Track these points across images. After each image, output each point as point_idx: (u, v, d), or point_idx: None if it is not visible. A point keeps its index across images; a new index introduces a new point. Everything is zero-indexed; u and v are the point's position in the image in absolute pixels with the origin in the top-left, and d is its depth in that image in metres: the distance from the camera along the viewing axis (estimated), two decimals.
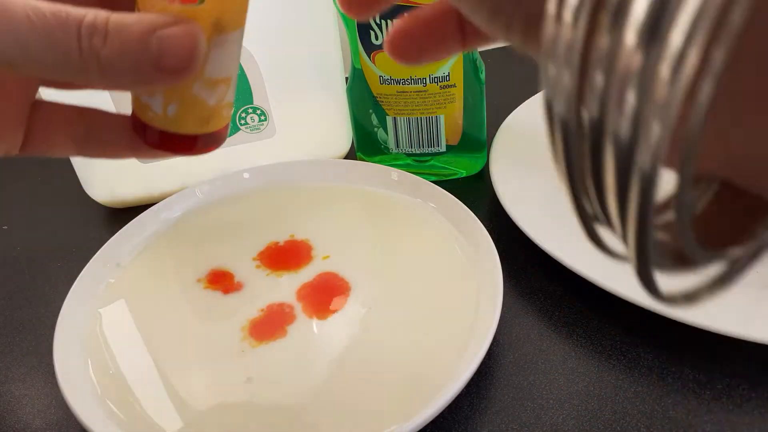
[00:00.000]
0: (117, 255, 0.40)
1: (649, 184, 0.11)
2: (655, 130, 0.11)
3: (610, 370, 0.32)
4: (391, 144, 0.46)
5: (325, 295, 0.36)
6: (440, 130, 0.44)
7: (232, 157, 0.47)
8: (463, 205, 0.39)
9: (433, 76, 0.42)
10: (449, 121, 0.44)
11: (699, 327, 0.30)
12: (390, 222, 0.41)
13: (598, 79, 0.11)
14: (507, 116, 0.49)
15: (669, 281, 0.14)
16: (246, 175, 0.45)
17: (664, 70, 0.10)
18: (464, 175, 0.47)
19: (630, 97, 0.11)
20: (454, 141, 0.45)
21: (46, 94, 0.25)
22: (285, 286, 0.37)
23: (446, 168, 0.46)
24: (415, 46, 0.20)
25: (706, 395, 0.30)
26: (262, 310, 0.36)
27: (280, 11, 0.42)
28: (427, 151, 0.46)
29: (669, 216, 0.12)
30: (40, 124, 0.21)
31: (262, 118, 0.45)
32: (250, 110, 0.45)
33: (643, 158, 0.11)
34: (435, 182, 0.42)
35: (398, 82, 0.42)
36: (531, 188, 0.41)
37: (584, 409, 0.30)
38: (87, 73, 0.17)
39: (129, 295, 0.37)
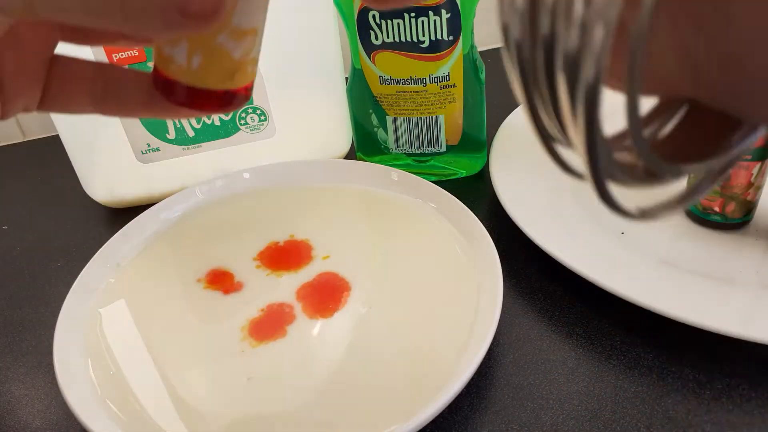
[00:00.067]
0: (117, 255, 0.40)
1: (593, 91, 0.11)
2: (598, 34, 0.11)
3: (610, 370, 0.32)
4: (391, 144, 0.46)
5: (325, 295, 0.36)
6: (440, 130, 0.44)
7: (232, 157, 0.47)
8: (463, 205, 0.39)
9: (433, 76, 0.42)
10: (449, 121, 0.44)
11: (699, 327, 0.30)
12: (390, 222, 0.41)
13: None
14: (507, 116, 0.49)
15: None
16: (246, 175, 0.45)
17: None
18: (464, 175, 0.47)
19: (577, 6, 0.11)
20: (454, 141, 0.45)
21: (64, 51, 0.24)
22: (285, 286, 0.37)
23: (446, 168, 0.46)
24: None
25: (706, 395, 0.30)
26: (262, 310, 0.36)
27: (280, 11, 0.42)
28: (427, 151, 0.46)
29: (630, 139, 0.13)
30: (58, 80, 0.20)
31: (262, 118, 0.45)
32: (250, 110, 0.45)
33: (587, 66, 0.11)
34: (435, 182, 0.42)
35: (398, 82, 0.42)
36: (531, 188, 0.41)
37: (584, 409, 0.30)
38: (109, 17, 0.16)
39: (129, 295, 0.37)
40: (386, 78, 0.42)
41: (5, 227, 0.49)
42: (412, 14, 0.39)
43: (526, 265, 0.38)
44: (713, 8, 0.11)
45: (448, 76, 0.42)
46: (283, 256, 0.39)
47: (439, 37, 0.40)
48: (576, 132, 0.12)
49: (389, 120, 0.44)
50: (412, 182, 0.42)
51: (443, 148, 0.45)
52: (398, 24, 0.40)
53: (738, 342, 0.31)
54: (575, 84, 0.12)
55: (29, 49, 0.19)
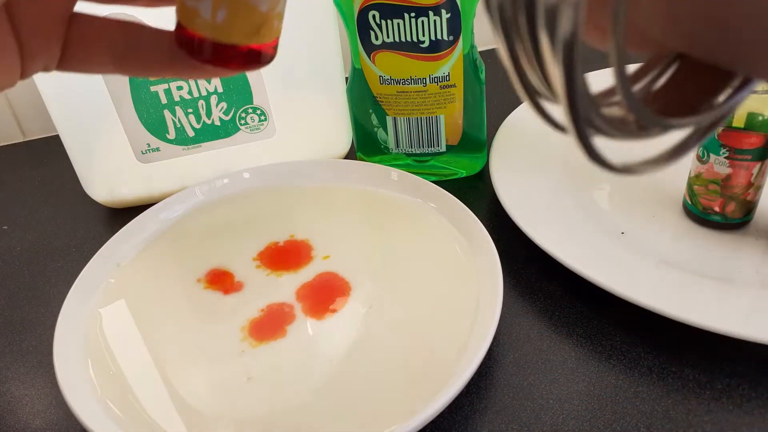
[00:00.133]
0: (117, 255, 0.40)
1: (572, 38, 0.12)
2: None
3: (610, 370, 0.32)
4: (391, 144, 0.46)
5: (325, 295, 0.36)
6: (440, 130, 0.44)
7: (232, 157, 0.47)
8: (463, 205, 0.39)
9: (433, 76, 0.42)
10: (449, 121, 0.44)
11: (699, 327, 0.30)
12: (390, 222, 0.41)
13: None
14: (507, 116, 0.49)
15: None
16: (246, 175, 0.45)
17: None
18: (464, 175, 0.47)
19: None
20: (454, 141, 0.45)
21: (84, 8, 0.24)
22: (285, 286, 0.37)
23: (446, 168, 0.46)
24: None
25: (706, 395, 0.30)
26: (262, 310, 0.36)
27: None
28: (427, 151, 0.46)
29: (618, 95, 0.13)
30: (78, 38, 0.20)
31: (262, 118, 0.45)
32: (250, 110, 0.45)
33: (565, 14, 0.11)
34: (435, 182, 0.42)
35: (398, 82, 0.42)
36: (531, 188, 0.41)
37: (584, 409, 0.30)
38: None
39: (129, 295, 0.37)
40: (386, 78, 0.42)
41: (5, 227, 0.49)
42: (412, 14, 0.39)
43: (526, 265, 0.38)
44: None
45: (448, 76, 0.42)
46: (283, 256, 0.39)
47: (439, 37, 0.40)
48: (556, 82, 0.13)
49: (389, 120, 0.44)
50: (412, 182, 0.42)
51: (443, 148, 0.45)
52: (398, 24, 0.40)
53: (738, 342, 0.31)
54: (555, 34, 0.12)
55: (48, 5, 0.19)
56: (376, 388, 0.30)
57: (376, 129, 0.45)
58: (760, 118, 0.33)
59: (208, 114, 0.44)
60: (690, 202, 0.38)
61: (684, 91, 0.15)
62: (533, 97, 0.14)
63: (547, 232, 0.37)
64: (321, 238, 0.40)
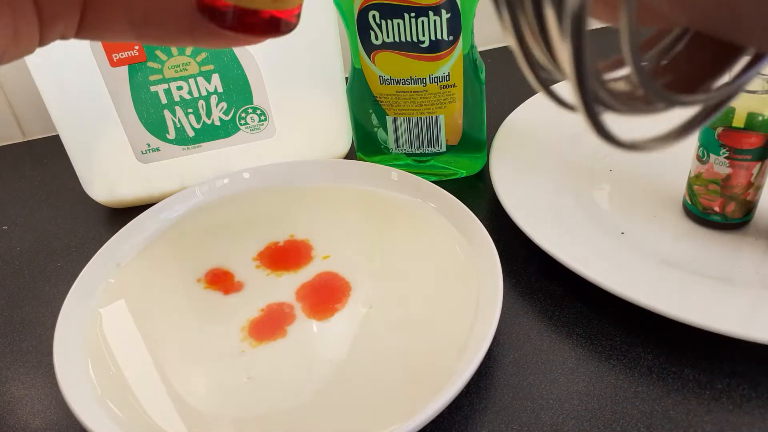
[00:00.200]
0: (117, 255, 0.40)
1: (580, 12, 0.11)
2: None
3: (610, 370, 0.32)
4: (391, 144, 0.46)
5: (325, 295, 0.36)
6: (440, 130, 0.44)
7: (232, 157, 0.47)
8: (463, 205, 0.39)
9: (433, 76, 0.42)
10: (449, 121, 0.44)
11: (699, 327, 0.30)
12: (390, 222, 0.41)
13: None
14: (507, 116, 0.49)
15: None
16: (246, 175, 0.45)
17: None
18: (464, 175, 0.47)
19: None
20: (454, 141, 0.45)
21: None
22: (285, 286, 0.37)
23: (446, 168, 0.46)
24: None
25: (706, 395, 0.30)
26: (262, 310, 0.36)
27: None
28: (427, 151, 0.46)
29: (625, 68, 0.13)
30: (96, 4, 0.20)
31: (262, 118, 0.45)
32: (250, 110, 0.45)
33: None
34: (435, 182, 0.42)
35: (398, 82, 0.42)
36: (531, 188, 0.41)
37: (584, 409, 0.30)
38: None
39: (129, 295, 0.37)
40: (386, 78, 0.42)
41: (5, 227, 0.49)
42: (412, 14, 0.39)
43: (526, 265, 0.38)
44: None
45: (448, 76, 0.42)
46: (283, 256, 0.39)
47: (439, 37, 0.40)
48: (564, 59, 0.12)
49: (389, 120, 0.44)
50: (412, 182, 0.42)
51: (443, 148, 0.45)
52: (398, 24, 0.40)
53: (738, 342, 0.31)
54: (563, 9, 0.12)
55: None
56: (376, 388, 0.30)
57: (376, 129, 0.45)
58: (760, 118, 0.33)
59: (208, 114, 0.44)
60: (690, 202, 0.38)
61: (692, 66, 0.15)
62: (537, 73, 0.14)
63: (547, 232, 0.37)
64: (321, 238, 0.40)
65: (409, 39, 0.40)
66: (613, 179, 0.43)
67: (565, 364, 0.32)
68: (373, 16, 0.40)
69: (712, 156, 0.35)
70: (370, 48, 0.41)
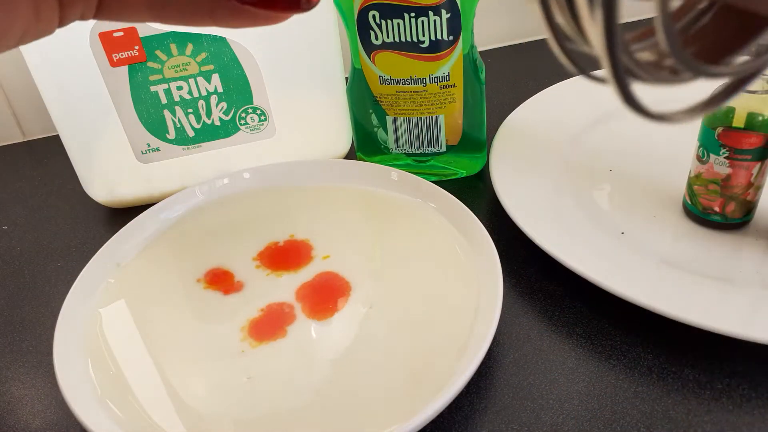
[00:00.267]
0: (117, 255, 0.40)
1: None
2: None
3: (610, 370, 0.32)
4: (391, 144, 0.46)
5: (325, 295, 0.36)
6: (440, 130, 0.44)
7: (232, 157, 0.47)
8: (463, 205, 0.39)
9: (433, 76, 0.42)
10: (449, 121, 0.44)
11: (699, 327, 0.30)
12: (390, 222, 0.41)
13: None
14: (507, 116, 0.49)
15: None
16: (246, 175, 0.45)
17: None
18: (464, 175, 0.47)
19: None
20: (454, 141, 0.45)
21: None
22: (285, 286, 0.37)
23: (446, 168, 0.46)
24: None
25: (706, 395, 0.30)
26: (262, 310, 0.36)
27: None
28: (427, 151, 0.46)
29: (653, 37, 0.13)
30: None
31: (262, 118, 0.45)
32: (250, 110, 0.45)
33: None
34: (435, 182, 0.42)
35: (398, 82, 0.42)
36: (531, 188, 0.41)
37: (584, 409, 0.30)
38: None
39: (129, 295, 0.37)
40: (386, 78, 0.42)
41: (5, 227, 0.49)
42: (412, 14, 0.39)
43: (526, 265, 0.38)
44: None
45: (448, 76, 0.42)
46: (283, 256, 0.39)
47: (439, 37, 0.40)
48: (594, 30, 0.12)
49: (389, 120, 0.44)
50: (412, 182, 0.42)
51: (443, 148, 0.45)
52: (398, 24, 0.40)
53: (738, 342, 0.31)
54: None
55: None
56: (376, 388, 0.30)
57: (376, 129, 0.45)
58: (760, 118, 0.33)
59: (208, 114, 0.44)
60: (690, 202, 0.38)
61: (719, 37, 0.15)
62: (562, 44, 0.14)
63: (547, 232, 0.37)
64: (321, 238, 0.40)
65: (409, 39, 0.40)
66: (613, 179, 0.43)
67: (565, 364, 0.32)
68: (373, 16, 0.40)
69: (712, 156, 0.35)
70: (370, 48, 0.41)
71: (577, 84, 0.53)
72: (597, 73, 0.15)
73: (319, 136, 0.48)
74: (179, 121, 0.44)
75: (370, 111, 0.44)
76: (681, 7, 0.15)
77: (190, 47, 0.41)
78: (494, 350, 0.33)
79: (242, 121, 0.45)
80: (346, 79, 0.45)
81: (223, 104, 0.44)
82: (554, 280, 0.37)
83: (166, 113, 0.44)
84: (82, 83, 0.42)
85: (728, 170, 0.35)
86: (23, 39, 0.18)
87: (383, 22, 0.40)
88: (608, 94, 0.52)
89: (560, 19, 0.14)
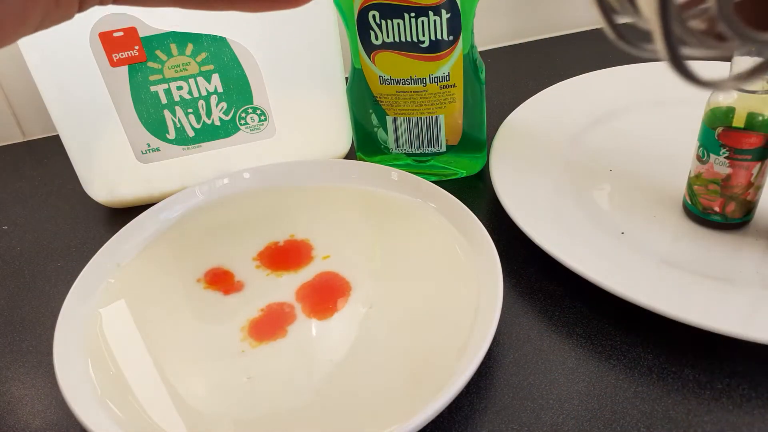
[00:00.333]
0: (117, 255, 0.40)
1: None
2: None
3: (609, 370, 0.32)
4: (391, 144, 0.46)
5: (325, 294, 0.36)
6: (440, 130, 0.44)
7: (232, 157, 0.47)
8: (463, 205, 0.39)
9: (433, 76, 0.42)
10: (449, 121, 0.44)
11: (699, 327, 0.30)
12: (390, 222, 0.41)
13: None
14: (507, 116, 0.49)
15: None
16: (246, 175, 0.45)
17: None
18: (464, 175, 0.47)
19: None
20: (454, 141, 0.45)
21: None
22: (285, 286, 0.37)
23: (446, 168, 0.46)
24: None
25: (706, 395, 0.30)
26: (262, 310, 0.36)
27: (279, 11, 0.42)
28: (427, 151, 0.46)
29: (702, 4, 0.13)
30: None
31: (262, 118, 0.45)
32: (250, 110, 0.45)
33: None
34: (435, 182, 0.42)
35: (398, 82, 0.42)
36: (531, 188, 0.41)
37: (584, 409, 0.30)
38: None
39: (129, 295, 0.37)
40: (386, 78, 0.42)
41: (5, 227, 0.49)
42: (412, 14, 0.39)
43: (526, 265, 0.38)
44: None
45: (448, 76, 0.42)
46: (283, 256, 0.39)
47: (439, 37, 0.40)
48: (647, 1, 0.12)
49: (389, 120, 0.44)
50: (412, 182, 0.42)
51: (443, 148, 0.45)
52: (398, 24, 0.40)
53: (738, 342, 0.31)
54: None
55: None
56: (376, 388, 0.30)
57: (376, 129, 0.45)
58: (760, 118, 0.33)
59: (208, 114, 0.44)
60: (690, 202, 0.38)
61: (766, 6, 0.15)
62: (608, 14, 0.14)
63: (547, 232, 0.37)
64: (321, 238, 0.40)
65: (409, 39, 0.40)
66: (613, 179, 0.43)
67: (565, 364, 0.32)
68: (373, 16, 0.40)
69: (712, 156, 0.35)
70: (370, 48, 0.41)
71: (577, 84, 0.53)
72: (647, 45, 0.15)
73: (319, 136, 0.48)
74: (179, 121, 0.44)
75: (370, 111, 0.44)
76: None
77: (190, 47, 0.41)
78: (494, 350, 0.33)
79: (242, 121, 0.45)
80: (346, 79, 0.45)
81: (223, 104, 0.44)
82: (554, 280, 0.37)
83: (166, 113, 0.44)
84: (82, 83, 0.42)
85: (728, 170, 0.35)
86: (42, 24, 0.18)
87: (383, 22, 0.40)
88: (608, 94, 0.51)
89: None
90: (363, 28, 0.40)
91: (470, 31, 0.40)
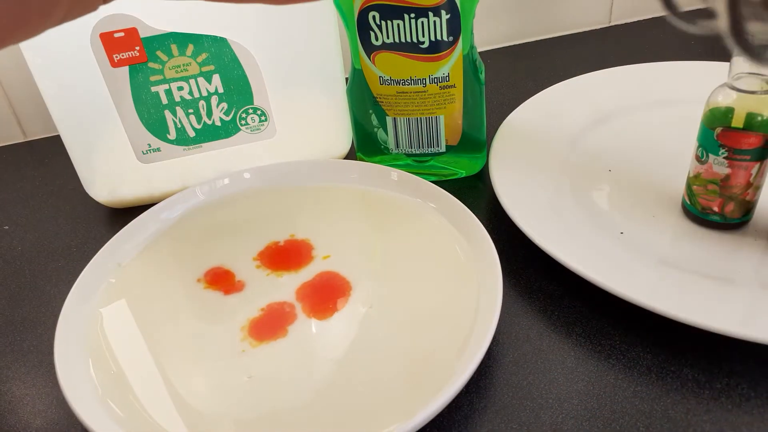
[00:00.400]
0: (117, 255, 0.40)
1: None
2: None
3: (609, 370, 0.32)
4: (391, 144, 0.46)
5: (325, 294, 0.36)
6: (440, 131, 0.44)
7: (232, 157, 0.47)
8: (463, 205, 0.39)
9: (433, 77, 0.42)
10: (449, 121, 0.44)
11: (699, 327, 0.30)
12: (390, 222, 0.41)
13: None
14: (507, 116, 0.49)
15: None
16: (246, 175, 0.46)
17: None
18: (464, 175, 0.47)
19: None
20: (454, 141, 0.45)
21: None
22: (285, 286, 0.37)
23: (446, 168, 0.47)
24: None
25: (705, 395, 0.30)
26: (263, 310, 0.36)
27: (279, 11, 0.42)
28: (426, 152, 0.46)
29: None
30: None
31: (262, 118, 0.45)
32: (250, 110, 0.45)
33: None
34: (435, 182, 0.42)
35: (398, 82, 0.42)
36: (531, 188, 0.41)
37: (583, 408, 0.30)
38: None
39: (129, 295, 0.37)
40: (386, 78, 0.42)
41: (6, 227, 0.49)
42: (412, 15, 0.39)
43: (526, 265, 0.38)
44: None
45: (448, 76, 0.42)
46: (284, 255, 0.39)
47: (438, 37, 0.40)
48: None
49: (389, 120, 0.44)
50: (412, 182, 0.43)
51: (443, 149, 0.45)
52: (398, 24, 0.40)
53: (738, 342, 0.31)
54: None
55: None
56: (376, 388, 0.31)
57: (376, 129, 0.45)
58: (759, 118, 0.33)
59: (209, 114, 0.44)
60: (689, 202, 0.38)
61: None
62: None
63: (547, 232, 0.37)
64: (321, 238, 0.40)
65: (408, 40, 0.40)
66: (613, 179, 0.43)
67: (564, 364, 0.32)
68: (373, 17, 0.40)
69: (711, 156, 0.35)
70: (370, 48, 0.41)
71: (576, 84, 0.53)
72: (703, 22, 0.15)
73: (319, 136, 0.48)
74: (180, 121, 0.44)
75: (370, 111, 0.45)
76: None
77: (190, 48, 0.42)
78: (494, 350, 0.33)
79: (243, 122, 0.45)
80: (346, 79, 0.45)
81: (224, 104, 0.44)
82: (554, 280, 0.37)
83: (167, 113, 0.44)
84: (83, 83, 0.42)
85: (727, 170, 0.35)
86: (67, 16, 0.18)
87: (383, 22, 0.40)
88: (608, 94, 0.52)
89: None
90: (363, 29, 0.40)
91: (470, 32, 0.41)
